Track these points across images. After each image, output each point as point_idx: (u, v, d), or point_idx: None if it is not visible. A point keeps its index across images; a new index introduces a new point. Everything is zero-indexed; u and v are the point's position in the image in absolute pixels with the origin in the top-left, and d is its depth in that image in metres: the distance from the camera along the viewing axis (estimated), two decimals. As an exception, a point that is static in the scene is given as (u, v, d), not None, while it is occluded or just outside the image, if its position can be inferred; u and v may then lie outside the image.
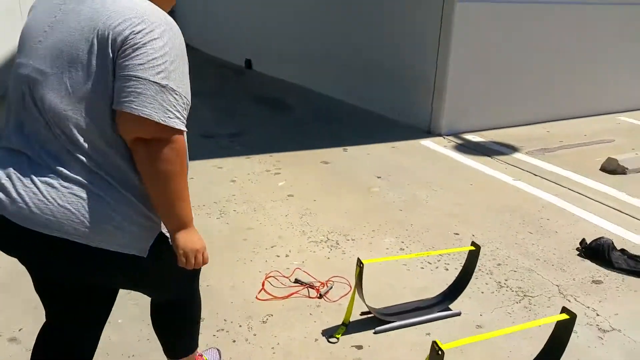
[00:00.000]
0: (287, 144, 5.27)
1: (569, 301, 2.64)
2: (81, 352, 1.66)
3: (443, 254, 3.08)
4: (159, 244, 1.44)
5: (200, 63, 11.91)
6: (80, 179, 1.32)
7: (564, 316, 1.97)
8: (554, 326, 2.04)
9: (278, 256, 3.07)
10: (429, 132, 5.80)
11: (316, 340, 2.35)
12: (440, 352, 1.70)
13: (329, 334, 2.38)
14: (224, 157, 4.82)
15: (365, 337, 2.37)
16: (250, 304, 2.59)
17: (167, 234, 1.44)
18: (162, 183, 1.34)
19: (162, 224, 1.43)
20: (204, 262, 1.48)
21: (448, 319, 2.49)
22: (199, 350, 1.99)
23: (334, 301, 2.63)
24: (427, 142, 5.46)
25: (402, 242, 3.25)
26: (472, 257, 2.51)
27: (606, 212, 3.75)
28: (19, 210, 1.31)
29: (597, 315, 2.53)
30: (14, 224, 1.32)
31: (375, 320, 2.44)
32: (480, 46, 5.55)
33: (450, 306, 2.55)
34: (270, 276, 2.85)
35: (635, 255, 3.03)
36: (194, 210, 2.94)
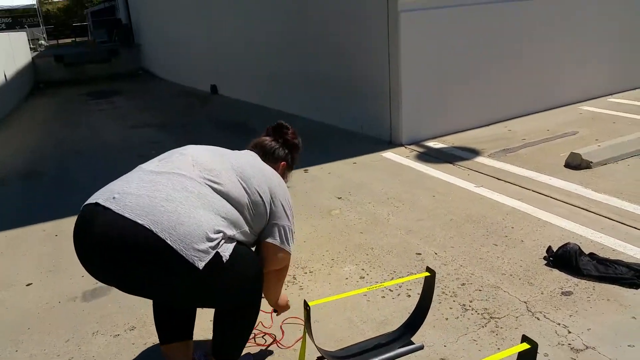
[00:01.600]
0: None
1: (538, 319, 2.48)
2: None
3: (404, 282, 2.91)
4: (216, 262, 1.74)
5: (166, 93, 11.70)
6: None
7: (525, 346, 1.81)
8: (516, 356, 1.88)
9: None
10: (390, 143, 5.68)
11: (269, 394, 2.16)
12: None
13: (283, 385, 2.19)
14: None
15: (322, 385, 2.18)
16: None
17: (222, 254, 1.76)
18: (280, 284, 2.24)
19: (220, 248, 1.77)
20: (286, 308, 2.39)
21: (411, 354, 2.31)
22: None
23: (289, 347, 2.43)
24: (389, 154, 5.32)
25: (362, 270, 3.08)
26: (429, 284, 2.35)
27: (573, 213, 3.62)
28: None
29: (569, 332, 2.38)
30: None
31: (332, 365, 2.26)
32: (430, 51, 5.46)
33: (413, 338, 2.38)
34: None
35: (605, 259, 2.89)
36: None
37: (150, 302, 2.16)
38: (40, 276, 3.31)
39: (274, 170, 2.16)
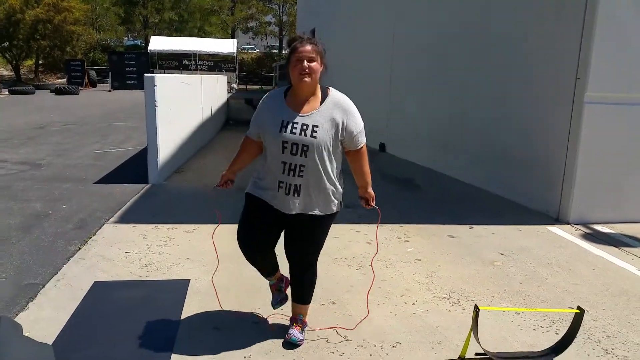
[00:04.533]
0: (416, 218, 5.87)
1: (674, 375, 2.86)
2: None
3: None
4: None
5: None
6: None
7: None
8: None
9: (405, 303, 3.63)
10: (557, 220, 6.06)
11: (435, 370, 2.84)
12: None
13: (446, 367, 2.86)
14: (362, 223, 5.51)
15: (477, 374, 2.81)
16: (383, 332, 3.18)
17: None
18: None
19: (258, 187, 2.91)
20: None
21: (553, 372, 2.85)
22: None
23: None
24: (554, 229, 5.72)
25: (518, 308, 3.64)
26: (577, 320, 2.88)
27: None
28: None
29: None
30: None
31: (487, 362, 2.88)
32: (611, 141, 5.83)
33: (556, 361, 2.91)
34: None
35: None
36: (338, 262, 4.34)
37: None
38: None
39: None
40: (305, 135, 2.69)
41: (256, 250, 2.98)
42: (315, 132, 2.70)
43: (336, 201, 2.93)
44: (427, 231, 5.42)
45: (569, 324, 3.34)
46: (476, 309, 2.79)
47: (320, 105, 2.77)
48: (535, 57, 6.54)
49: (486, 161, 7.55)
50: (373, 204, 3.05)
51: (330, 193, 2.87)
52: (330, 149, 2.78)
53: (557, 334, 3.27)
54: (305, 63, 2.66)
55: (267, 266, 3.11)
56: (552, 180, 6.19)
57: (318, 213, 2.85)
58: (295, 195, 2.77)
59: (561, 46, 6.07)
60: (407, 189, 7.60)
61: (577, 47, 5.79)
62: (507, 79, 7.13)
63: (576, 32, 5.80)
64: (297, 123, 2.71)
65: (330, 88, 2.86)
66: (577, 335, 2.97)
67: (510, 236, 5.38)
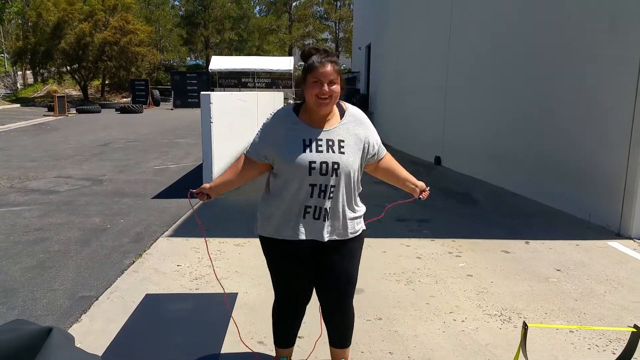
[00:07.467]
0: (470, 232, 5.74)
1: None
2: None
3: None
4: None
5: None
6: None
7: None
8: None
9: (454, 320, 3.55)
10: (618, 234, 5.78)
11: (482, 389, 2.75)
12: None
13: (494, 386, 2.77)
14: (412, 238, 5.45)
15: (526, 394, 2.70)
16: (429, 350, 3.12)
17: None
18: (230, 169, 2.63)
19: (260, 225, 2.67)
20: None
21: (609, 394, 2.70)
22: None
23: (501, 362, 3.01)
24: (615, 244, 5.46)
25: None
26: (634, 339, 2.72)
27: None
28: None
29: None
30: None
31: (537, 383, 2.77)
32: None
33: (613, 384, 2.76)
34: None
35: None
36: (386, 277, 4.24)
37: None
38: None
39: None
40: (333, 152, 2.40)
41: (303, 299, 2.71)
42: (343, 147, 2.43)
43: (362, 219, 2.65)
44: (480, 246, 5.29)
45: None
46: (524, 327, 2.69)
47: (341, 119, 2.51)
48: (591, 64, 6.31)
49: (544, 174, 7.32)
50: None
51: (358, 213, 2.61)
52: (358, 166, 2.50)
53: (614, 353, 3.11)
54: (326, 87, 2.34)
55: (299, 325, 2.84)
56: (612, 193, 5.92)
57: (352, 234, 2.56)
58: (326, 219, 2.46)
59: (618, 52, 5.83)
60: (462, 202, 7.46)
61: (637, 52, 5.55)
62: (563, 89, 6.91)
63: (636, 35, 5.57)
64: (321, 139, 2.41)
65: (343, 102, 2.60)
66: (636, 356, 2.82)
67: (567, 251, 5.17)
